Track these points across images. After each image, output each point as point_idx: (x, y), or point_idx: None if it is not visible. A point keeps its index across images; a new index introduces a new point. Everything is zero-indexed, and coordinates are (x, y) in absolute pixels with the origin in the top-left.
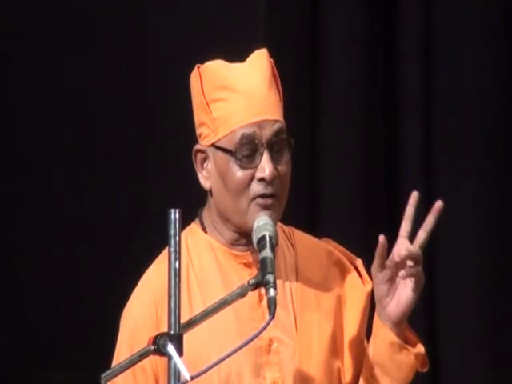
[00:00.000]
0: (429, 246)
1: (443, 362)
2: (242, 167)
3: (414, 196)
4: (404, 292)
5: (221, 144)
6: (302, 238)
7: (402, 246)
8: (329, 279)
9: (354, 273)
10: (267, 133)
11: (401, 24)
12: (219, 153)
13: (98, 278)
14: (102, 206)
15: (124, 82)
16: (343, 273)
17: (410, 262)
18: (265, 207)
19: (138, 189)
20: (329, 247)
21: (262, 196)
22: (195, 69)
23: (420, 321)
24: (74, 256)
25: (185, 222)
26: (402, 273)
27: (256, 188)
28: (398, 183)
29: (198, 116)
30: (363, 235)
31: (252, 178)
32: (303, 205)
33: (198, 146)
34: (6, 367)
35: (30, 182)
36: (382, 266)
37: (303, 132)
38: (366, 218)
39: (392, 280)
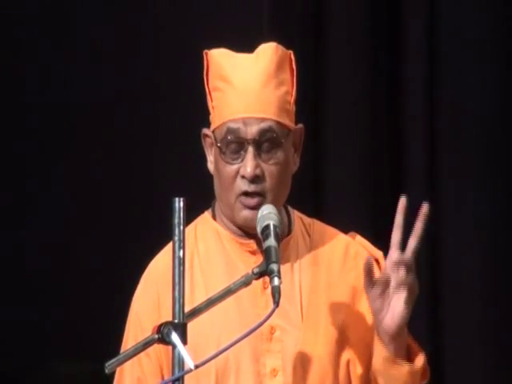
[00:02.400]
0: (431, 253)
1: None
2: (227, 162)
3: (402, 202)
4: (398, 304)
5: (215, 134)
6: (322, 229)
7: (393, 257)
8: (345, 271)
9: (374, 265)
10: (253, 130)
11: (404, 28)
12: (214, 142)
13: (105, 268)
14: (111, 197)
15: (131, 74)
16: (361, 264)
17: (401, 270)
18: (248, 207)
19: (149, 178)
20: (348, 239)
21: (245, 193)
22: (203, 55)
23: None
24: (81, 246)
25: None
26: (393, 282)
27: (240, 184)
28: (402, 176)
29: (207, 101)
30: (367, 229)
31: (237, 173)
32: (306, 199)
33: (205, 130)
34: (12, 360)
35: (35, 171)
36: (372, 283)
37: (306, 126)
38: (370, 213)
39: (385, 294)
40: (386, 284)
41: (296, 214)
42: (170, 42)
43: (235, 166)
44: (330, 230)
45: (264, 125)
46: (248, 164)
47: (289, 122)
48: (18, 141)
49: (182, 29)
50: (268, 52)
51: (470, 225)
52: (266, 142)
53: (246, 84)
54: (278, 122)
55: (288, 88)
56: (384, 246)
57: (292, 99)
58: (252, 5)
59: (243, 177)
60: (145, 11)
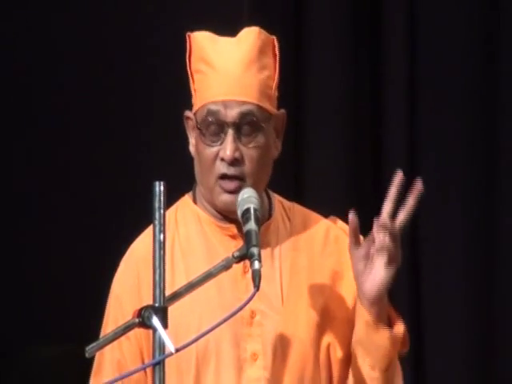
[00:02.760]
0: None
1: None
2: (207, 144)
3: (398, 176)
4: (379, 270)
5: (197, 116)
6: (302, 213)
7: (381, 220)
8: (325, 255)
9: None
10: (233, 113)
11: (385, 26)
12: (195, 125)
13: (86, 251)
14: (92, 180)
15: (113, 58)
16: (342, 248)
17: (386, 236)
18: (227, 191)
19: (129, 162)
20: (329, 223)
21: (225, 176)
22: (186, 37)
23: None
24: (63, 230)
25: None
26: (376, 244)
27: (219, 167)
28: (384, 159)
29: (190, 83)
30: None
31: (217, 156)
32: (287, 184)
33: (187, 113)
34: None
35: (19, 159)
36: (357, 243)
37: (287, 111)
38: (351, 198)
39: (368, 257)
40: (370, 247)
41: (276, 198)
42: (152, 25)
43: (215, 149)
44: (311, 214)
45: (244, 108)
46: (227, 147)
47: (270, 106)
48: (4, 134)
49: (165, 12)
50: (250, 36)
51: (451, 218)
52: (246, 125)
53: (228, 67)
54: (259, 106)
55: (270, 73)
56: (365, 231)
57: (274, 84)
58: None
59: (222, 159)
60: None
